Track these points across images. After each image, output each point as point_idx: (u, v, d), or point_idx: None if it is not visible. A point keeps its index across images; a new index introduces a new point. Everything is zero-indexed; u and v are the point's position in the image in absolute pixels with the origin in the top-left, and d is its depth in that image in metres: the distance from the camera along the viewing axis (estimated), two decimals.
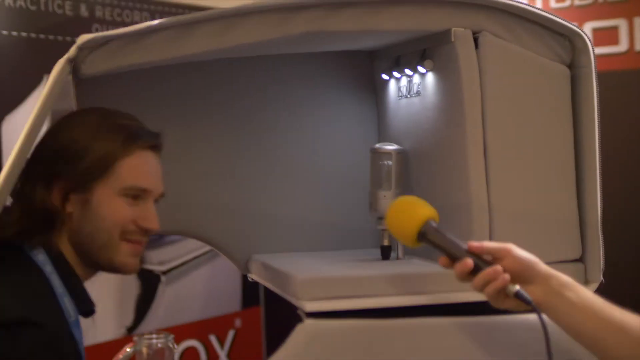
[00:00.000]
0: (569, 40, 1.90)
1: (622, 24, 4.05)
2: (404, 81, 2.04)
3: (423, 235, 1.61)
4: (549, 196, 1.87)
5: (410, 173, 1.99)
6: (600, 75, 1.90)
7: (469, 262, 1.53)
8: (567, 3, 4.04)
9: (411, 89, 2.00)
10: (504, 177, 1.82)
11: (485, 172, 1.81)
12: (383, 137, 2.18)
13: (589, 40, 1.89)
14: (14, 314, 1.56)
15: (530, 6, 1.87)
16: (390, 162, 1.96)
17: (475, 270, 1.53)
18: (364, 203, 2.01)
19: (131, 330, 3.45)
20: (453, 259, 1.57)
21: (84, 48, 1.64)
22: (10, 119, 3.48)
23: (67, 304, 1.66)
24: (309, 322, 1.68)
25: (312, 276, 1.74)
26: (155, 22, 1.68)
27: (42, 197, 1.68)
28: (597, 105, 1.90)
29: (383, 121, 2.18)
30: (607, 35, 4.01)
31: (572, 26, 1.89)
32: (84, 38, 1.64)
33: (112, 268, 1.74)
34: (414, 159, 2.00)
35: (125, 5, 3.95)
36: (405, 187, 1.98)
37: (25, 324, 1.55)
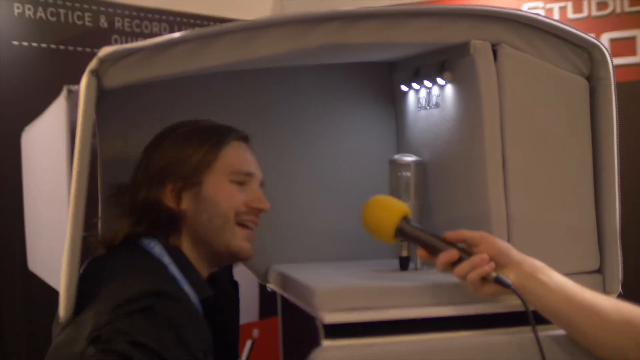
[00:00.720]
0: (588, 53, 1.90)
1: (639, 34, 4.04)
2: (423, 92, 2.05)
3: (400, 231, 1.76)
4: (567, 208, 1.87)
5: (428, 184, 1.99)
6: (617, 86, 1.91)
7: (454, 252, 1.66)
8: (584, 14, 4.04)
9: (430, 101, 2.01)
10: (523, 189, 1.82)
11: (504, 184, 1.81)
12: (402, 148, 2.18)
13: (608, 52, 1.89)
14: (149, 288, 1.62)
15: (549, 18, 1.87)
16: (408, 174, 1.96)
17: (457, 260, 1.66)
18: None
19: None
20: (432, 250, 1.71)
21: (105, 61, 1.64)
22: (30, 130, 3.50)
23: (187, 290, 1.73)
24: (326, 344, 1.68)
25: (332, 287, 1.75)
26: (176, 35, 1.69)
27: (157, 201, 1.80)
28: (616, 117, 1.90)
29: (402, 132, 2.19)
30: (624, 46, 4.01)
31: (591, 38, 1.89)
32: (105, 51, 1.64)
33: (230, 254, 1.83)
34: (432, 171, 2.00)
35: (144, 16, 3.97)
36: (424, 198, 1.99)
37: (161, 295, 1.62)
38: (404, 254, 1.97)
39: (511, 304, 1.72)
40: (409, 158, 1.99)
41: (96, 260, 1.80)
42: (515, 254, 1.67)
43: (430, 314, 1.74)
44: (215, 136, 1.85)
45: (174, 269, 1.75)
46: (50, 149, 3.74)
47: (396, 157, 2.01)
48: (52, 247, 3.86)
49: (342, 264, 2.11)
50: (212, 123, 1.89)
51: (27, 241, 3.73)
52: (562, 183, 1.87)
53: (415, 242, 1.76)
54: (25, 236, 3.73)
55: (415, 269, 1.98)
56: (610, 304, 1.61)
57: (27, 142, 3.61)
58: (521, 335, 1.70)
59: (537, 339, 1.61)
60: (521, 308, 1.64)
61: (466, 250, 1.68)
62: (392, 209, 1.79)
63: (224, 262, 1.88)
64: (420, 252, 1.74)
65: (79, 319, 1.64)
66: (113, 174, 1.99)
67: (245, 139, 1.90)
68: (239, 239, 1.83)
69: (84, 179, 1.64)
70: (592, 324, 1.61)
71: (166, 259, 1.76)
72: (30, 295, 3.75)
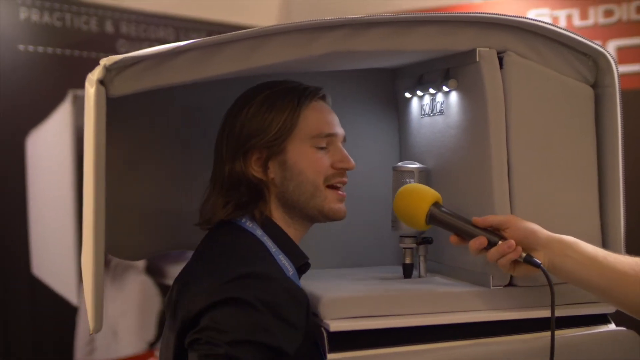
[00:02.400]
0: (593, 60, 1.90)
1: None
2: (426, 99, 2.04)
3: (432, 217, 1.78)
4: (572, 215, 1.87)
5: None
6: (624, 94, 1.90)
7: (483, 239, 1.71)
8: (591, 21, 4.04)
9: (434, 108, 2.00)
10: (528, 196, 1.82)
11: (509, 191, 1.81)
12: (405, 155, 2.18)
13: (614, 60, 1.89)
14: (241, 270, 1.70)
15: (555, 26, 1.87)
16: (412, 181, 1.96)
17: (488, 244, 1.71)
18: (386, 220, 2.02)
19: (153, 345, 3.46)
20: (463, 236, 1.75)
21: (111, 69, 1.64)
22: (35, 134, 3.51)
23: (283, 260, 1.80)
24: (331, 358, 1.69)
25: (336, 296, 1.75)
26: (182, 43, 1.68)
27: (244, 173, 1.85)
28: (621, 125, 1.90)
29: (405, 139, 2.19)
30: (630, 54, 4.01)
31: (596, 46, 1.89)
32: (111, 59, 1.64)
33: (324, 216, 1.88)
34: (436, 178, 2.00)
35: (150, 21, 3.98)
36: None
37: (250, 276, 1.69)
38: (408, 261, 1.97)
39: (520, 310, 1.76)
40: (413, 165, 1.99)
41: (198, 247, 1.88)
42: (542, 234, 1.71)
43: (435, 322, 1.74)
44: (293, 99, 1.86)
45: (267, 241, 1.82)
46: (55, 153, 3.75)
47: (399, 164, 2.01)
48: (57, 251, 3.87)
49: (345, 271, 2.11)
50: (287, 85, 1.90)
51: (32, 245, 3.73)
52: (567, 191, 1.87)
53: (447, 228, 1.78)
54: (30, 240, 3.73)
55: (419, 276, 1.97)
56: (634, 266, 1.67)
57: (33, 146, 3.62)
58: (529, 343, 1.70)
59: (552, 322, 1.66)
60: (528, 316, 1.68)
61: (497, 234, 1.71)
62: (423, 195, 1.81)
63: (320, 222, 1.91)
64: (452, 238, 1.77)
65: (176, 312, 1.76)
66: (117, 179, 1.99)
67: (323, 97, 1.92)
68: (330, 201, 1.87)
69: (101, 190, 1.66)
70: (625, 292, 1.66)
71: (259, 232, 1.83)
72: (34, 298, 3.76)
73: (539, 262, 1.67)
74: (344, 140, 1.92)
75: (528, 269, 1.70)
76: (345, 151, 1.90)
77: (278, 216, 1.87)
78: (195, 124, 2.07)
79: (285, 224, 1.87)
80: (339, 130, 1.91)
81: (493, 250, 1.69)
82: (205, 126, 2.01)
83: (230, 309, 1.65)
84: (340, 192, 1.89)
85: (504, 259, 1.69)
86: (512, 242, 1.68)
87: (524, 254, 1.68)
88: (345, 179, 1.90)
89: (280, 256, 1.81)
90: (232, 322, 1.63)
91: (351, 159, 1.89)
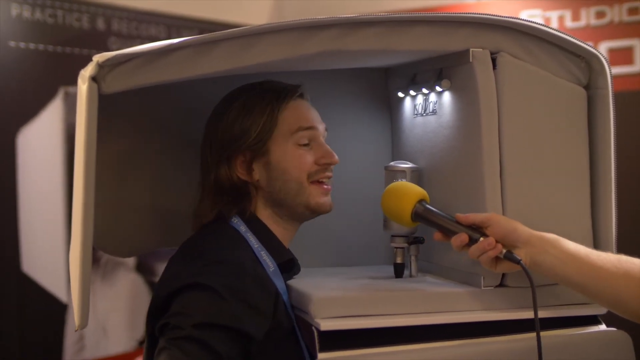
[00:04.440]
0: (586, 62, 1.90)
1: (637, 44, 4.05)
2: (419, 99, 2.04)
3: (417, 214, 1.81)
4: (564, 216, 1.87)
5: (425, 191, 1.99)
6: (614, 95, 1.91)
7: (465, 236, 1.72)
8: (582, 23, 4.05)
9: (427, 107, 2.00)
10: (520, 197, 1.82)
11: (501, 192, 1.81)
12: (398, 155, 2.18)
13: (607, 61, 1.89)
14: (212, 258, 1.78)
15: (548, 27, 1.87)
16: (404, 180, 1.96)
17: (469, 241, 1.73)
18: (377, 220, 2.02)
19: (143, 343, 3.45)
20: (447, 233, 1.77)
21: (103, 66, 1.64)
22: (26, 131, 3.50)
23: (265, 256, 1.84)
24: (322, 357, 1.68)
25: (328, 295, 1.75)
26: (174, 41, 1.68)
27: (229, 178, 1.90)
28: (614, 126, 1.90)
29: (398, 139, 2.18)
30: (622, 55, 4.02)
31: (590, 48, 1.89)
32: (103, 57, 1.63)
33: (311, 211, 1.93)
34: (428, 177, 2.00)
35: (142, 19, 3.97)
36: None
37: (220, 263, 1.76)
38: (399, 260, 1.96)
39: (511, 310, 1.77)
40: (405, 165, 1.99)
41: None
42: (523, 231, 1.72)
43: (426, 322, 1.74)
44: (271, 102, 1.90)
45: (250, 237, 1.86)
46: (46, 150, 3.74)
47: (392, 163, 2.01)
48: (47, 248, 3.86)
49: (336, 271, 2.11)
50: (264, 87, 1.94)
51: (22, 243, 3.72)
52: (560, 192, 1.87)
53: (432, 225, 1.81)
54: (20, 238, 3.72)
55: (410, 275, 1.97)
56: (615, 262, 1.69)
57: (23, 143, 3.61)
58: (521, 343, 1.71)
59: (536, 321, 1.66)
60: (519, 316, 1.69)
61: (479, 231, 1.73)
62: (409, 192, 1.84)
63: (307, 218, 1.96)
64: (436, 235, 1.80)
65: None
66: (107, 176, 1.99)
67: (301, 95, 1.95)
68: (315, 196, 1.91)
69: (91, 188, 1.65)
70: (603, 287, 1.68)
71: (243, 228, 1.88)
72: (24, 296, 3.75)
73: (519, 258, 1.68)
74: (326, 131, 1.96)
75: (509, 265, 1.72)
76: (327, 146, 1.93)
77: (266, 215, 1.93)
78: (188, 122, 2.07)
79: (274, 223, 1.92)
80: (319, 125, 1.95)
81: (474, 247, 1.72)
82: (198, 124, 2.01)
83: (197, 293, 1.70)
84: (325, 186, 1.93)
85: (484, 256, 1.71)
86: (492, 239, 1.70)
87: (504, 251, 1.70)
88: (329, 174, 1.94)
89: (262, 252, 1.85)
90: (198, 306, 1.69)
91: (334, 154, 1.93)
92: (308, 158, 1.91)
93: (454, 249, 1.75)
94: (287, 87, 1.94)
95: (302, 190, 1.90)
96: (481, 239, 1.71)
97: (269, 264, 1.84)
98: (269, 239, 1.89)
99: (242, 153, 1.90)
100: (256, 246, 1.85)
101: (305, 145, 1.91)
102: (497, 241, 1.71)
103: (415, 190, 1.84)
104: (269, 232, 1.91)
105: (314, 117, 1.95)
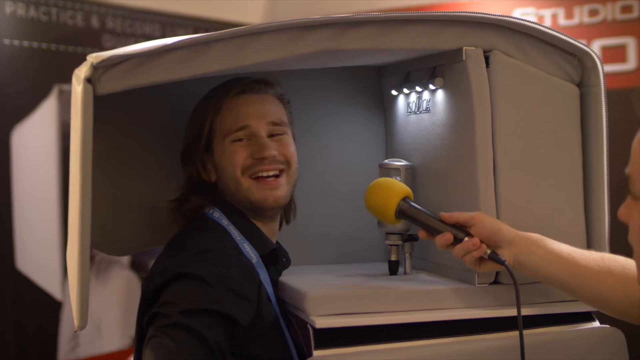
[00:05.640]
0: (579, 60, 1.91)
1: (630, 42, 4.06)
2: (413, 97, 2.05)
3: (401, 211, 1.81)
4: (557, 213, 1.88)
5: (418, 189, 2.00)
6: (608, 93, 1.91)
7: (449, 236, 1.72)
8: (576, 21, 4.06)
9: (420, 105, 2.01)
10: (513, 194, 1.83)
11: (494, 189, 1.82)
12: (391, 152, 2.18)
13: (599, 59, 1.90)
14: (196, 249, 1.81)
15: (541, 25, 1.87)
16: (398, 178, 1.96)
17: (454, 240, 1.73)
18: (372, 217, 2.02)
19: None
20: (431, 231, 1.76)
21: (98, 67, 1.63)
22: (20, 128, 3.50)
23: (247, 248, 1.87)
24: (318, 354, 1.69)
25: (322, 292, 1.75)
26: (169, 42, 1.68)
27: (198, 175, 1.96)
28: (606, 124, 1.91)
29: (391, 137, 2.19)
30: (615, 53, 4.03)
31: (582, 46, 1.89)
32: (98, 57, 1.63)
33: (254, 206, 1.93)
34: (422, 175, 2.00)
35: (136, 17, 3.97)
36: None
37: (205, 252, 1.80)
38: (393, 258, 1.97)
39: (505, 308, 1.77)
40: (399, 162, 1.99)
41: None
42: (508, 231, 1.72)
43: (420, 319, 1.75)
44: (213, 103, 1.94)
45: (232, 230, 1.89)
46: (40, 148, 3.74)
47: (386, 161, 2.01)
48: (42, 246, 3.86)
49: (331, 268, 2.11)
50: (218, 87, 1.97)
51: (16, 240, 3.72)
52: (552, 189, 1.88)
53: (416, 223, 1.80)
54: (14, 235, 3.72)
55: (405, 273, 1.98)
56: (598, 261, 1.71)
57: (18, 140, 3.61)
58: (514, 340, 1.71)
59: (519, 320, 1.67)
60: (513, 313, 1.68)
61: (464, 230, 1.73)
62: (392, 190, 1.83)
63: (265, 214, 1.95)
64: (421, 233, 1.80)
65: None
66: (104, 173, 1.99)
67: (243, 92, 1.95)
68: (254, 192, 1.91)
69: (88, 191, 1.66)
70: (586, 286, 1.71)
71: (225, 222, 1.91)
72: (18, 293, 3.75)
73: (504, 259, 1.69)
74: (282, 124, 1.95)
75: (494, 265, 1.72)
76: (265, 140, 1.92)
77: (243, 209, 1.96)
78: (183, 121, 2.08)
79: (251, 217, 1.95)
80: (257, 121, 1.93)
81: (458, 247, 1.72)
82: None
83: (184, 282, 1.73)
84: (269, 180, 1.92)
85: (468, 256, 1.71)
86: (477, 240, 1.70)
87: (488, 251, 1.70)
88: (269, 167, 1.92)
89: (245, 244, 1.87)
90: (185, 294, 1.72)
91: (270, 148, 1.91)
92: (242, 153, 1.92)
93: (438, 248, 1.75)
94: (228, 86, 1.96)
95: (240, 186, 1.91)
96: (466, 238, 1.71)
97: (252, 255, 1.86)
98: (250, 231, 1.92)
99: (200, 155, 1.95)
100: (238, 238, 1.88)
101: (239, 140, 1.92)
102: (481, 241, 1.71)
103: (400, 187, 1.84)
104: (251, 224, 1.94)
105: (252, 113, 1.94)
